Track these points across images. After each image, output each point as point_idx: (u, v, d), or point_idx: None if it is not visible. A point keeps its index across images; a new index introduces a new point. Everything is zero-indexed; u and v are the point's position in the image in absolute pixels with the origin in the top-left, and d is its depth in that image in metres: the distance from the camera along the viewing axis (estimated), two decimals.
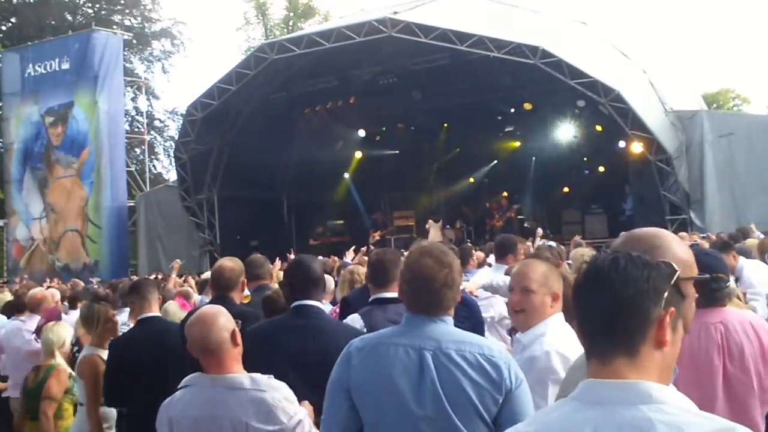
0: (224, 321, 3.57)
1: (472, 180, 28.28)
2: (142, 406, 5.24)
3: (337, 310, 6.59)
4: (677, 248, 2.09)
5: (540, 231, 13.16)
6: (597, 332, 1.78)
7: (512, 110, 24.66)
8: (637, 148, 18.97)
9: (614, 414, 1.67)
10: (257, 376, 3.49)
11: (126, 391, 5.53)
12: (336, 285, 8.26)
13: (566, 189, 26.66)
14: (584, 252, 7.59)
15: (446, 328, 3.09)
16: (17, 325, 8.42)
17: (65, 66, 27.27)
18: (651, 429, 1.61)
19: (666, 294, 1.74)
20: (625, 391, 1.69)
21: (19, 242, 28.05)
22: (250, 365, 3.60)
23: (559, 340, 3.52)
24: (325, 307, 7.45)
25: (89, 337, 6.48)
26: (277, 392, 3.44)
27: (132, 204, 27.70)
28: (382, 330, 3.26)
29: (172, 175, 30.57)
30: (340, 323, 4.48)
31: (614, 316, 1.74)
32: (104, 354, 5.96)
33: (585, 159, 25.72)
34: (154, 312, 5.81)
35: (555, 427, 1.77)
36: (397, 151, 27.84)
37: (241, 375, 3.49)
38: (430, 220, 23.86)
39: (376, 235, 24.46)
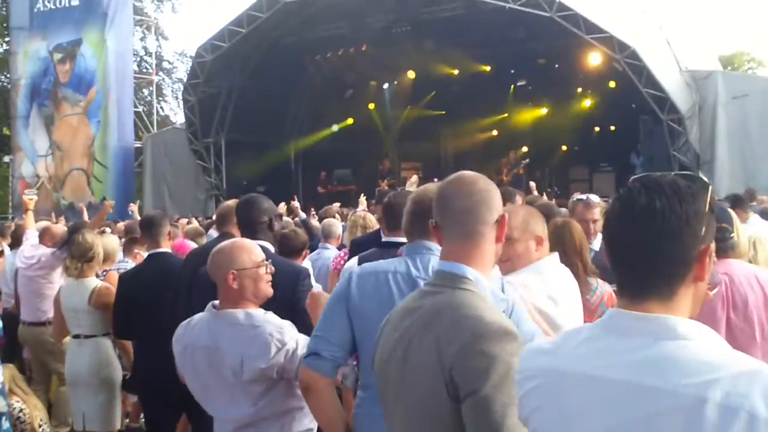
0: (237, 257, 3.57)
1: (481, 134, 28.07)
2: (150, 339, 5.25)
3: (343, 254, 6.61)
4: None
5: (533, 184, 13.01)
6: (631, 268, 1.69)
7: (525, 64, 24.38)
8: (649, 106, 18.81)
9: (639, 347, 1.61)
10: (253, 311, 3.54)
11: (135, 323, 5.53)
12: (344, 230, 8.30)
13: (575, 146, 26.46)
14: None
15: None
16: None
17: (75, 2, 26.89)
18: (673, 366, 1.54)
19: (704, 228, 1.66)
20: (650, 324, 1.62)
21: (25, 179, 27.99)
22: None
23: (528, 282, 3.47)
24: (331, 251, 7.54)
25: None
26: (270, 325, 3.49)
27: (139, 145, 27.58)
28: (383, 261, 3.27)
29: (179, 118, 30.47)
30: (285, 260, 4.45)
31: (653, 251, 1.65)
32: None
33: (596, 116, 25.48)
34: (165, 247, 5.78)
35: (575, 349, 1.72)
36: (408, 104, 27.60)
37: (237, 311, 3.53)
38: (414, 175, 23.95)
39: (384, 184, 24.35)
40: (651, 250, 1.64)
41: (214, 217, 13.32)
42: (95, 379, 6.10)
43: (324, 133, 26.58)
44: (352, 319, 3.07)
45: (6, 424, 5.06)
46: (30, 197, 8.70)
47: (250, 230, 4.47)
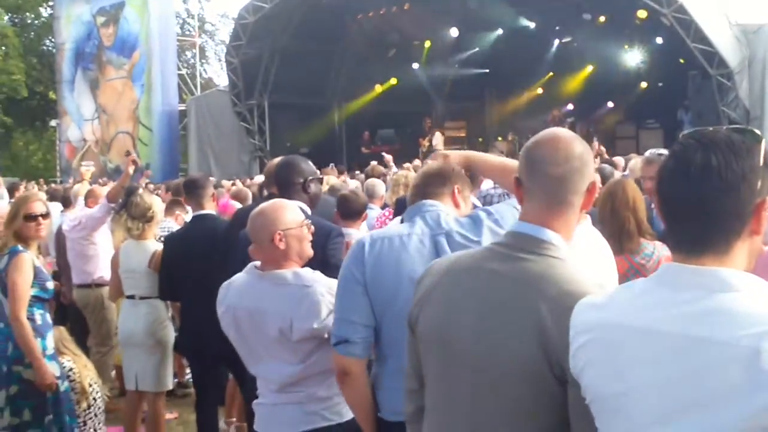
0: (281, 217, 3.52)
1: (527, 91, 27.78)
2: (195, 301, 5.29)
3: (388, 213, 6.60)
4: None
5: (596, 143, 12.87)
6: (687, 224, 1.67)
7: (570, 20, 23.99)
8: (698, 61, 18.44)
9: (693, 300, 1.59)
10: (301, 271, 3.49)
11: (180, 285, 5.57)
12: (387, 189, 8.29)
13: (622, 103, 26.08)
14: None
15: (448, 212, 3.08)
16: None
17: None
18: (729, 318, 1.52)
19: (760, 182, 1.62)
20: (704, 277, 1.60)
21: (72, 143, 28.37)
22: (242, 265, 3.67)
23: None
24: (374, 211, 7.53)
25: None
26: (320, 285, 3.43)
27: (183, 108, 27.76)
28: (391, 226, 3.25)
29: (223, 80, 30.55)
30: (317, 219, 4.44)
31: (710, 207, 1.62)
32: None
33: (643, 72, 25.07)
34: (209, 209, 5.80)
35: (629, 303, 1.70)
36: (453, 62, 27.35)
37: (284, 271, 3.48)
38: (437, 132, 23.87)
39: (425, 142, 24.24)
40: (708, 206, 1.63)
41: (257, 179, 13.43)
42: (150, 339, 6.12)
43: (369, 96, 26.49)
44: (369, 291, 2.96)
45: (65, 385, 5.15)
46: (87, 168, 8.75)
47: (285, 191, 4.46)
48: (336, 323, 3.05)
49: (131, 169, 7.59)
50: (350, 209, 5.96)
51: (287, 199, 4.21)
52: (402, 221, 3.17)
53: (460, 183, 3.19)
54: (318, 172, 4.90)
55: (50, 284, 5.17)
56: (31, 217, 5.12)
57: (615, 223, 4.41)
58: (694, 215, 1.65)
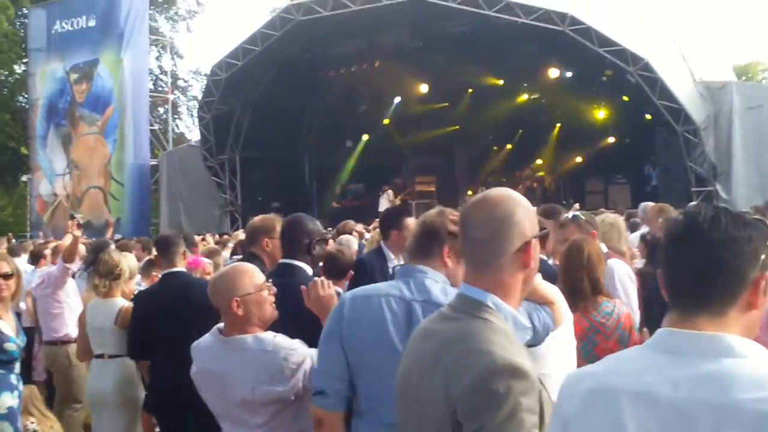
0: (239, 283, 3.55)
1: (496, 148, 28.09)
2: (164, 359, 5.27)
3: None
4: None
5: (577, 206, 13.00)
6: (685, 288, 1.73)
7: (537, 78, 24.38)
8: (664, 118, 18.78)
9: (693, 365, 1.62)
10: (262, 335, 3.52)
11: (149, 344, 5.55)
12: (361, 248, 8.31)
13: (590, 158, 26.40)
14: (608, 217, 7.51)
15: (435, 279, 3.06)
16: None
17: (91, 23, 27.21)
18: (732, 382, 1.56)
19: (764, 257, 1.69)
20: (706, 342, 1.64)
21: (43, 198, 28.21)
22: None
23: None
24: None
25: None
26: (282, 349, 3.47)
27: (155, 163, 27.77)
28: (377, 284, 3.24)
29: (195, 135, 30.66)
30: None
31: (708, 275, 1.69)
32: None
33: (610, 128, 25.45)
34: (179, 267, 5.81)
35: (625, 371, 1.72)
36: (421, 119, 27.62)
37: (245, 336, 3.50)
38: (388, 190, 24.00)
39: (397, 200, 24.40)
40: (709, 268, 1.69)
41: (237, 234, 13.41)
42: (119, 399, 6.05)
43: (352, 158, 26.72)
44: (344, 346, 3.03)
45: None
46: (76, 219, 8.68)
47: (290, 250, 4.48)
48: (315, 374, 3.13)
49: (77, 233, 7.61)
50: (336, 268, 5.89)
51: (290, 257, 4.26)
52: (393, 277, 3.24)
53: (452, 242, 3.16)
54: (323, 231, 4.94)
55: (9, 345, 5.08)
56: None
57: (568, 282, 4.42)
58: (695, 277, 1.70)
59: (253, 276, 3.61)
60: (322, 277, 3.68)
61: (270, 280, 3.70)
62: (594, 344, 4.36)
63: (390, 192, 24.14)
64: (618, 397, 1.68)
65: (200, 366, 3.63)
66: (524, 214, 2.27)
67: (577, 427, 1.76)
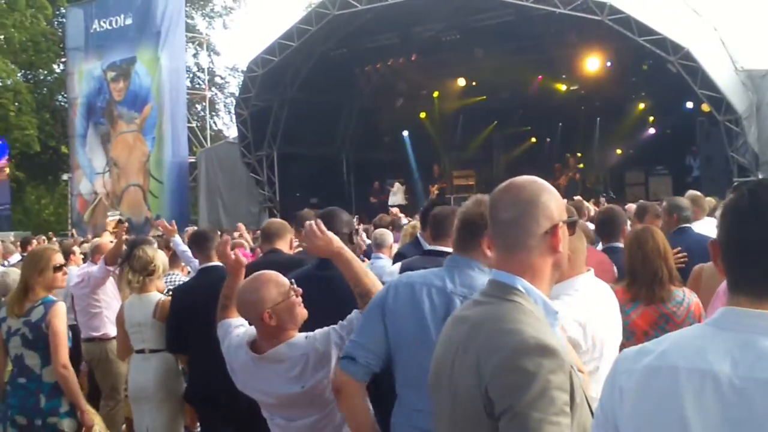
0: (267, 294, 3.50)
1: (534, 139, 27.86)
2: (203, 352, 5.26)
3: None
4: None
5: (603, 199, 12.93)
6: (753, 267, 1.67)
7: (577, 69, 24.13)
8: (705, 107, 18.49)
9: (754, 342, 1.59)
10: (293, 340, 3.50)
11: (188, 338, 5.56)
12: (397, 240, 8.32)
13: (630, 149, 26.10)
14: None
15: (480, 274, 3.09)
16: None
17: (128, 21, 27.41)
18: None
19: None
20: (763, 320, 1.61)
21: (83, 196, 28.51)
22: None
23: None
24: (384, 260, 7.53)
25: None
26: (316, 342, 3.49)
27: (193, 160, 27.93)
28: (423, 271, 3.25)
29: (232, 132, 30.73)
30: None
31: None
32: None
33: (651, 119, 25.13)
34: (216, 261, 5.80)
35: (687, 348, 1.69)
36: (460, 112, 27.52)
37: (279, 348, 3.48)
38: (396, 183, 23.90)
39: (435, 189, 24.26)
40: None
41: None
42: (161, 393, 6.08)
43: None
44: (388, 329, 3.09)
45: None
46: (113, 217, 8.87)
47: None
48: (350, 342, 3.17)
49: (124, 236, 7.74)
50: None
51: None
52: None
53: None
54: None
55: (69, 333, 5.24)
56: (58, 268, 5.21)
57: (647, 272, 4.40)
58: (762, 259, 1.66)
59: (278, 283, 3.56)
60: (313, 221, 3.63)
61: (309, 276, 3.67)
62: (665, 333, 4.29)
63: (398, 184, 24.03)
64: (677, 374, 1.65)
65: (241, 384, 3.63)
66: (551, 197, 2.33)
67: (634, 400, 1.73)
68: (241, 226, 12.04)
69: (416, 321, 3.02)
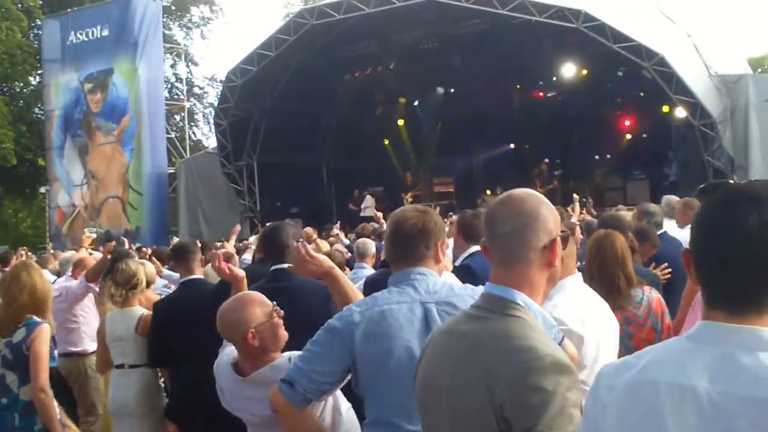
0: (250, 315, 3.48)
1: (512, 146, 27.97)
2: (184, 366, 5.28)
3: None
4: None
5: (576, 197, 12.98)
6: (731, 280, 1.64)
7: (553, 76, 24.30)
8: (680, 112, 18.67)
9: (731, 357, 1.58)
10: (276, 363, 3.46)
11: (170, 352, 5.55)
12: (378, 250, 8.28)
13: (608, 155, 26.26)
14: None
15: (436, 279, 3.07)
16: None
17: (105, 33, 27.29)
18: (765, 375, 1.52)
19: None
20: (745, 335, 1.59)
21: (61, 209, 28.33)
22: None
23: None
24: (366, 270, 7.52)
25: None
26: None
27: (172, 171, 27.84)
28: (384, 294, 3.13)
29: (211, 142, 30.67)
30: (317, 283, 4.42)
31: (760, 264, 1.61)
32: None
33: (627, 124, 25.31)
34: (197, 274, 5.81)
35: (667, 363, 1.67)
36: (438, 120, 27.61)
37: (263, 371, 3.45)
38: (367, 196, 23.79)
39: (408, 197, 24.22)
40: (757, 263, 1.61)
41: (250, 240, 13.44)
42: (142, 408, 6.01)
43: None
44: (357, 362, 2.99)
45: None
46: (90, 234, 8.77)
47: (278, 256, 4.51)
48: (294, 366, 3.06)
49: (109, 256, 7.66)
50: None
51: (281, 263, 4.29)
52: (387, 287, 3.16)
53: (441, 235, 3.19)
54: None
55: (55, 352, 5.19)
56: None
57: (604, 280, 4.39)
58: (741, 272, 1.63)
59: (262, 304, 3.55)
60: (299, 243, 3.64)
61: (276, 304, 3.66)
62: (629, 336, 4.33)
63: (369, 197, 23.81)
64: (657, 389, 1.65)
65: (226, 403, 3.61)
66: (549, 211, 2.31)
67: (616, 416, 1.73)
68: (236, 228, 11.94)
69: (397, 341, 2.94)
